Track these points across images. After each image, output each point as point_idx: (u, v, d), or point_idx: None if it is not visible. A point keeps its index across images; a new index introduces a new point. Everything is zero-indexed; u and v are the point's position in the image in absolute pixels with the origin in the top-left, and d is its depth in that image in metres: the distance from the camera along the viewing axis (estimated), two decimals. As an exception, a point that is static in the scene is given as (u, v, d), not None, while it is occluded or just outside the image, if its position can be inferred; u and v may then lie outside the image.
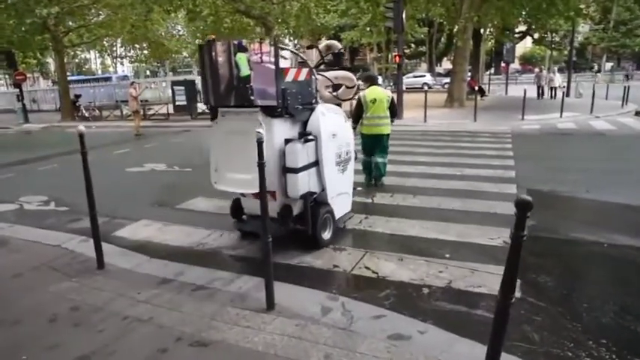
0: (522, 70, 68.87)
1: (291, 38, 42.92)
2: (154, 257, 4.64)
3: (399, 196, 6.65)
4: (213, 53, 4.48)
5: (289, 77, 4.37)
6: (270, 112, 4.30)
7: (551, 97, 23.93)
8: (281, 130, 4.44)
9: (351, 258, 4.48)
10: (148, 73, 64.40)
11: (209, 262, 4.48)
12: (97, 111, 25.74)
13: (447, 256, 4.44)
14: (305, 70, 4.60)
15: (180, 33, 46.46)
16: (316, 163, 4.65)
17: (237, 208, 4.97)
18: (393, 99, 7.25)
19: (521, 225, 1.97)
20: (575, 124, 15.90)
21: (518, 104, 18.47)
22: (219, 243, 5.07)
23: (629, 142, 11.77)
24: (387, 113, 7.13)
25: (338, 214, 5.07)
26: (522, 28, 41.40)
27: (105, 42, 33.84)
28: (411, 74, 45.93)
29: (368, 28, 40.59)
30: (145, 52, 37.29)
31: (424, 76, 42.36)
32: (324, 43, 5.62)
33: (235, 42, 4.58)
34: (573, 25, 29.24)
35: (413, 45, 56.52)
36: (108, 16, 24.88)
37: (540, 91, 25.28)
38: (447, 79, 42.56)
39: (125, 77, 42.17)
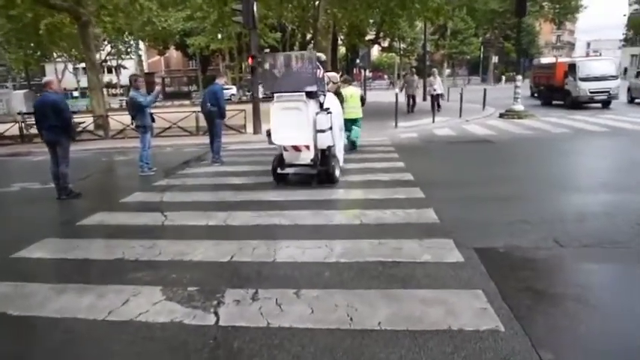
0: (373, 77, 71.37)
1: (127, 40, 37.51)
2: None
3: (268, 297, 3.49)
4: (270, 60, 7.22)
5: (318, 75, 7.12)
6: (309, 95, 6.95)
7: (436, 107, 17.80)
8: (313, 106, 7.10)
9: None
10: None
11: None
12: None
13: None
14: (322, 71, 7.39)
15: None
16: (330, 128, 7.16)
17: (279, 161, 7.34)
18: (361, 94, 10.38)
19: None
20: (451, 129, 14.54)
21: (383, 110, 16.80)
22: None
23: (522, 151, 10.28)
24: (359, 104, 10.20)
25: (340, 163, 7.88)
26: (371, 36, 41.80)
27: None
28: (267, 82, 43.66)
29: (219, 35, 37.16)
30: None
31: (282, 83, 40.51)
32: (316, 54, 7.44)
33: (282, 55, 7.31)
34: (425, 28, 29.40)
35: (267, 52, 54.52)
36: None
37: (411, 101, 19.50)
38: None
39: None
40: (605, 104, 19.58)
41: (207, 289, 3.66)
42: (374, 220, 5.27)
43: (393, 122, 15.03)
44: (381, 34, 49.36)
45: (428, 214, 5.39)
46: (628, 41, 57.20)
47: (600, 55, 40.55)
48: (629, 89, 21.67)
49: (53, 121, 7.13)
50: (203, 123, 15.21)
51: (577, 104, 19.44)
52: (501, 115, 17.54)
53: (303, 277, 3.83)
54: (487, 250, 4.23)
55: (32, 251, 4.81)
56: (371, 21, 29.79)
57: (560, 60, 23.13)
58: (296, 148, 7.13)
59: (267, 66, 7.14)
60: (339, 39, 28.83)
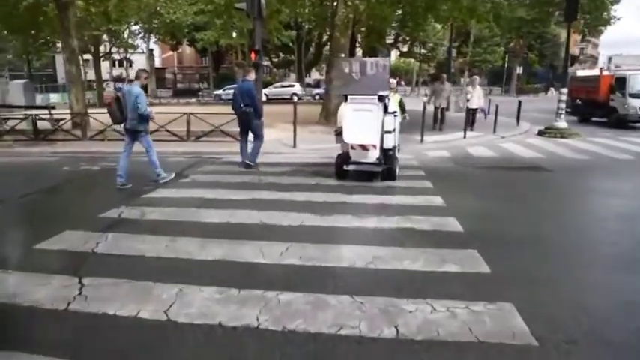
0: (390, 83, 69.04)
1: (135, 32, 35.60)
2: None
3: None
4: (347, 64, 8.34)
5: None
6: (380, 98, 7.38)
7: (471, 123, 15.13)
8: (382, 109, 7.46)
9: None
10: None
11: None
12: None
13: None
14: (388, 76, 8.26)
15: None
16: (394, 130, 7.82)
17: (345, 158, 7.75)
18: (401, 99, 9.72)
19: None
20: (488, 148, 12.27)
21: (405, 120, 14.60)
22: None
23: (593, 186, 7.97)
24: (398, 108, 9.00)
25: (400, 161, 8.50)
26: (390, 40, 39.57)
27: None
28: (278, 83, 41.89)
29: (234, 34, 34.99)
30: None
31: (293, 85, 39.04)
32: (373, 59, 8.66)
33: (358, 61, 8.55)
34: (451, 33, 27.21)
35: (281, 54, 52.44)
36: None
37: (440, 115, 15.55)
38: (318, 90, 39.32)
39: None
40: (656, 125, 17.31)
41: None
42: (418, 330, 3.01)
43: (418, 136, 12.80)
44: (400, 39, 47.12)
45: (510, 319, 3.11)
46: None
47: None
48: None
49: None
50: (195, 127, 13.20)
51: (623, 123, 17.16)
52: (540, 133, 15.26)
53: None
54: None
55: None
56: (393, 24, 27.63)
57: (605, 72, 20.70)
58: (364, 147, 7.54)
59: (346, 69, 7.97)
60: (357, 41, 26.62)
